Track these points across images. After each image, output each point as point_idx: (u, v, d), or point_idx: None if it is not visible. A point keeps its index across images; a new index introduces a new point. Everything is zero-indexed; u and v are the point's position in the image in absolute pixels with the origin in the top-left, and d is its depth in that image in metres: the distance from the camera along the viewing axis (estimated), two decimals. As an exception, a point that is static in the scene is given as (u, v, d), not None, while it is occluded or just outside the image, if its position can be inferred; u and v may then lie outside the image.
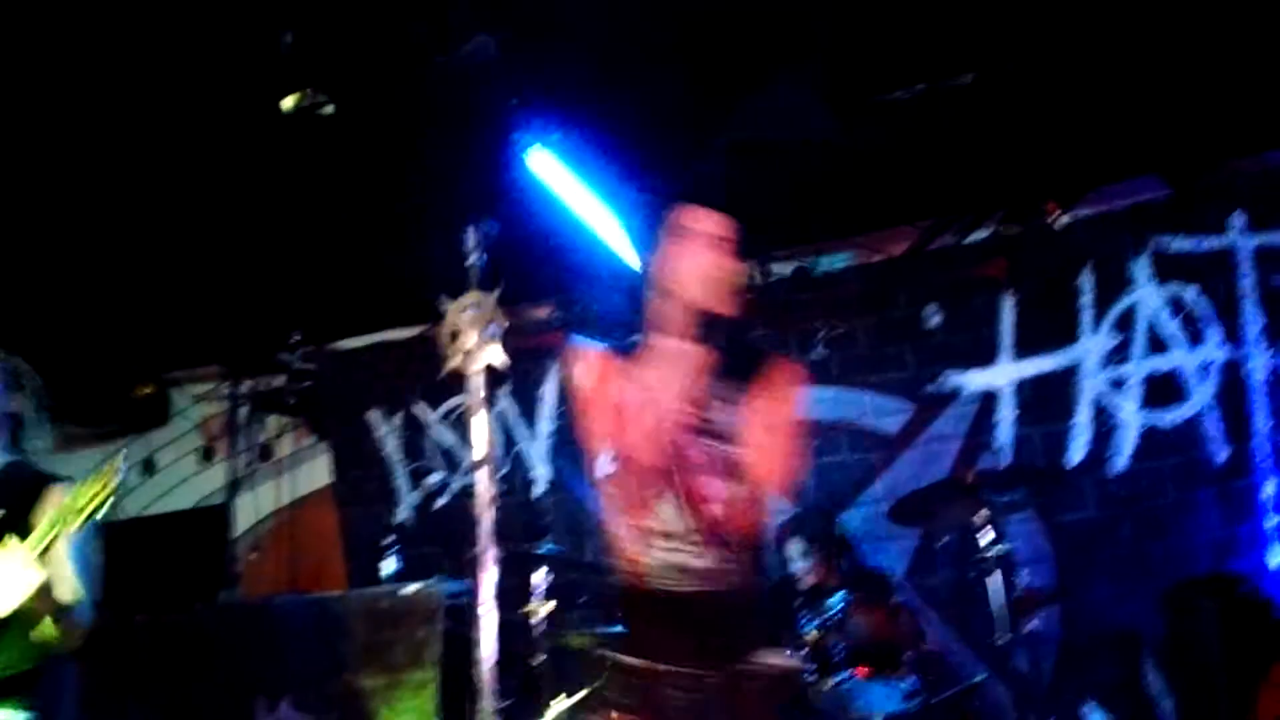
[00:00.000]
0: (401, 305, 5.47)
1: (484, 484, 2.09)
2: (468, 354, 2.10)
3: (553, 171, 3.99)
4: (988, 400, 4.78)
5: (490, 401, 2.15)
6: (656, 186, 4.32)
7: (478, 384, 2.11)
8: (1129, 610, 4.33)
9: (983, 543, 3.57)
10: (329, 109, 3.46)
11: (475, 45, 3.19)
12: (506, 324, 2.12)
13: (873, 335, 5.01)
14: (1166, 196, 4.62)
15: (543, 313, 5.55)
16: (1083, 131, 4.30)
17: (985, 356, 4.80)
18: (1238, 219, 4.49)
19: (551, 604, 3.84)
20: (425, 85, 3.24)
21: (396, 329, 5.77)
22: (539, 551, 3.94)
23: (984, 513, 3.59)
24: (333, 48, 3.30)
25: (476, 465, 2.09)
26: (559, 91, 3.68)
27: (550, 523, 5.03)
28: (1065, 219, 4.72)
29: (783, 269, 5.19)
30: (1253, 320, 4.43)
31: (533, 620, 3.80)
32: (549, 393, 5.46)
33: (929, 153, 4.38)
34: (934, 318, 4.92)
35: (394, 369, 5.70)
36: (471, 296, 2.12)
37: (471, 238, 2.18)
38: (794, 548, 4.13)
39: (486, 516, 2.12)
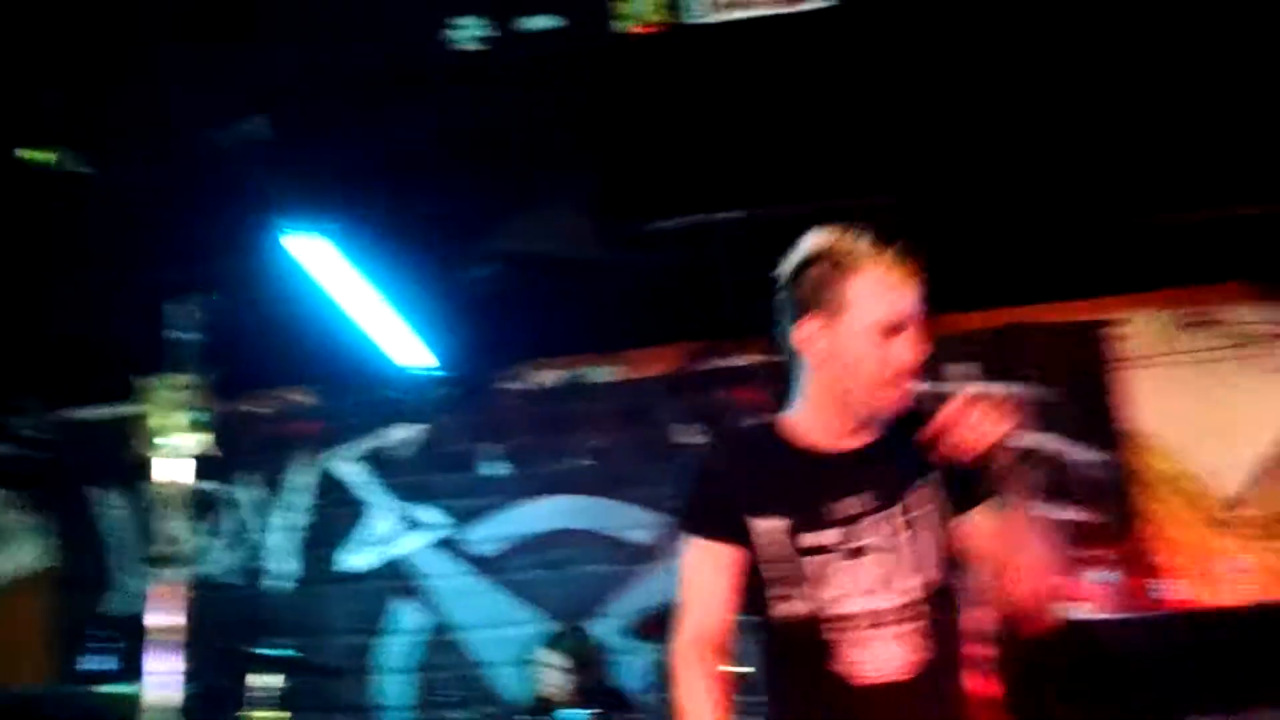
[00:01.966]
0: (125, 381, 5.15)
1: (168, 579, 1.96)
2: (157, 437, 1.96)
3: (319, 260, 3.91)
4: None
5: (199, 489, 2.03)
6: (427, 287, 4.34)
7: (164, 470, 1.98)
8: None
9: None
10: (85, 170, 3.29)
11: (249, 124, 3.13)
12: (213, 408, 2.01)
13: (633, 450, 5.13)
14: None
15: (296, 398, 5.37)
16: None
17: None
18: (962, 370, 4.94)
19: (283, 714, 3.63)
20: (190, 157, 3.14)
21: (119, 404, 5.42)
22: (264, 653, 3.72)
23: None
24: (97, 108, 3.16)
25: (156, 559, 1.96)
26: (335, 182, 3.64)
27: (278, 621, 4.80)
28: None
29: (551, 378, 5.27)
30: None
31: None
32: (295, 481, 5.25)
33: (697, 279, 4.60)
34: (693, 437, 5.09)
35: (114, 447, 5.32)
36: (170, 378, 1.98)
37: (181, 314, 2.05)
38: (553, 659, 4.11)
39: (166, 614, 1.99)
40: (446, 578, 5.08)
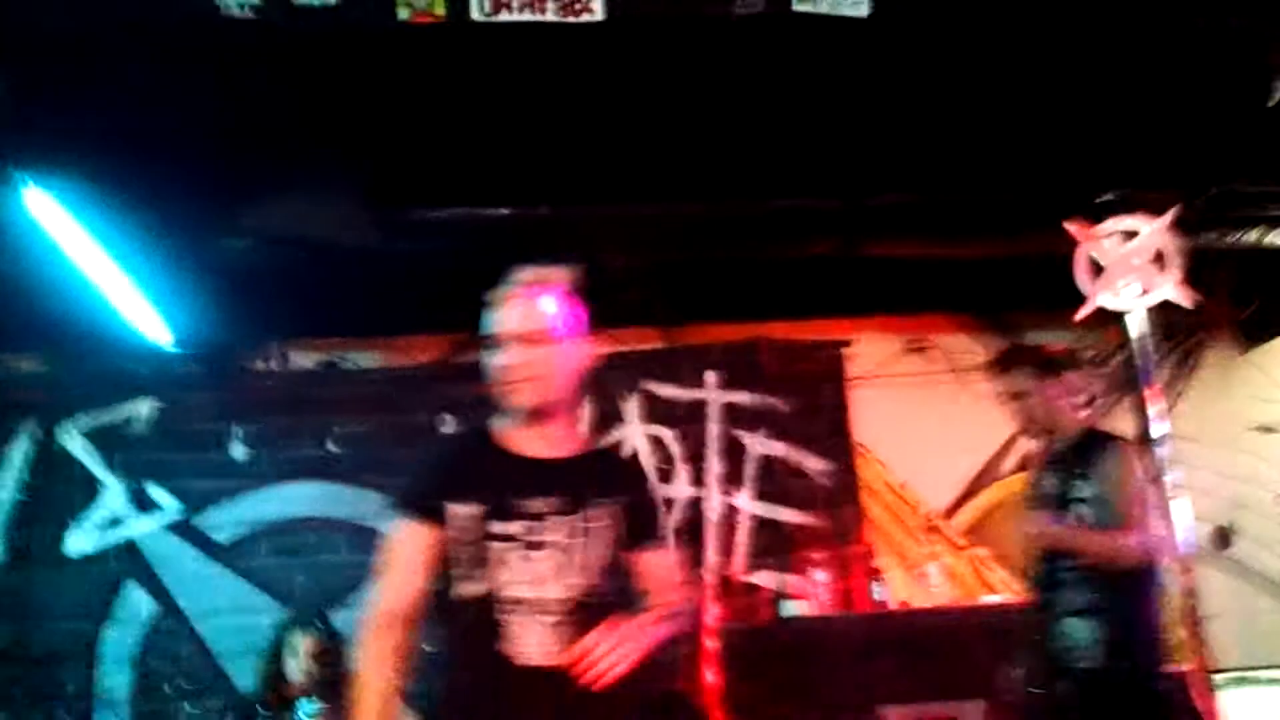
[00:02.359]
0: None
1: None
2: None
3: (58, 219, 3.65)
4: (487, 513, 5.01)
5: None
6: (180, 256, 4.14)
7: None
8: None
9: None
10: None
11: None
12: None
13: (388, 437, 5.08)
14: (659, 348, 5.27)
15: (22, 361, 4.97)
16: (597, 281, 4.76)
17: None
18: (712, 377, 5.23)
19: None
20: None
21: None
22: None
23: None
24: None
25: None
26: (82, 144, 3.42)
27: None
28: (577, 354, 5.17)
29: (305, 360, 5.13)
30: (713, 466, 5.14)
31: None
32: (15, 454, 4.85)
33: (462, 271, 4.61)
34: (449, 428, 5.10)
35: None
36: None
37: None
38: (291, 651, 4.01)
39: None
40: (179, 563, 4.84)
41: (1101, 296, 3.87)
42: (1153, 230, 3.82)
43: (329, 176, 3.77)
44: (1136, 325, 3.87)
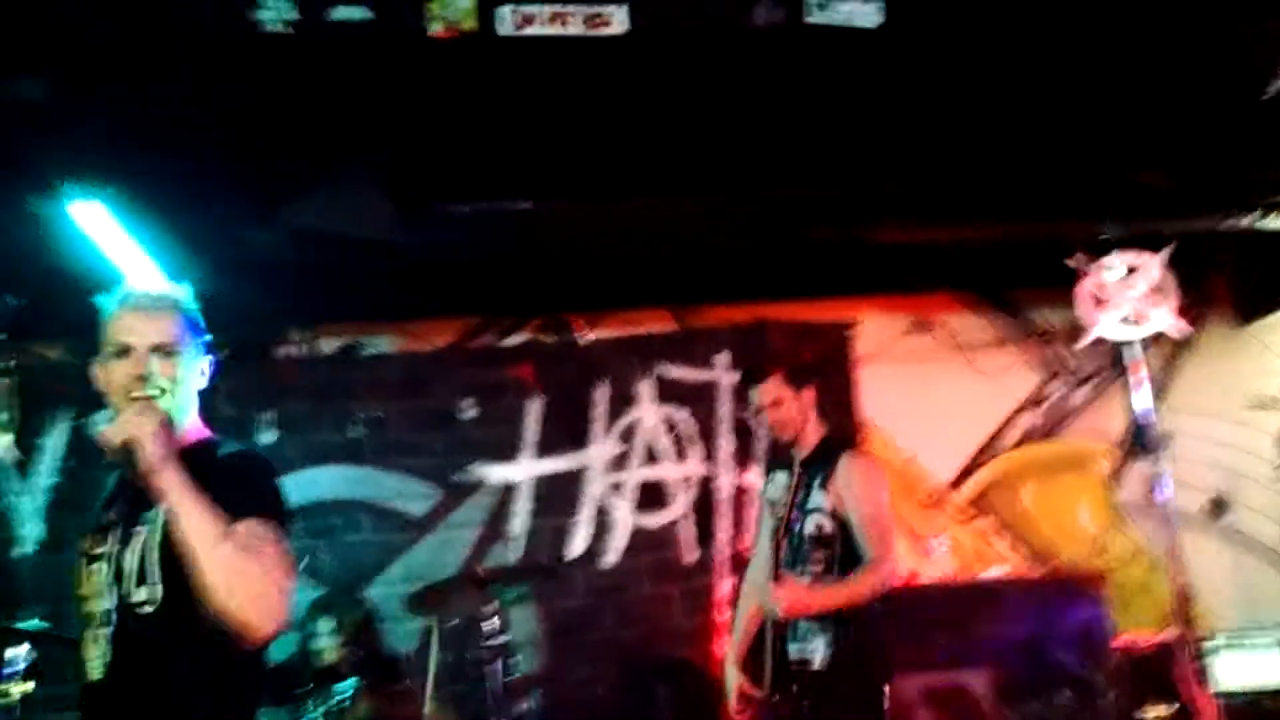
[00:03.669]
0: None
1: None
2: None
3: (92, 216, 3.78)
4: (507, 493, 5.18)
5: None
6: (210, 249, 4.26)
7: None
8: (601, 690, 4.87)
9: (487, 630, 3.86)
10: None
11: (21, 84, 3.02)
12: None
13: (409, 420, 5.22)
14: (672, 331, 5.41)
15: (57, 353, 5.11)
16: (613, 266, 4.93)
17: (509, 452, 5.21)
18: (723, 358, 5.37)
19: (29, 685, 3.51)
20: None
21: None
22: (17, 625, 3.59)
23: (493, 605, 3.88)
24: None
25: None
26: (116, 139, 3.54)
27: (31, 590, 4.59)
28: (590, 337, 5.34)
29: (329, 345, 5.26)
30: (725, 445, 5.30)
31: (3, 702, 3.46)
32: (53, 443, 5.00)
33: (480, 260, 4.75)
34: (468, 411, 5.25)
35: None
36: None
37: None
38: (322, 626, 4.15)
39: None
40: (211, 545, 4.98)
41: (1101, 326, 4.13)
42: (1151, 264, 4.09)
43: (354, 173, 3.88)
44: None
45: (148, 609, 2.04)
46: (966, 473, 5.51)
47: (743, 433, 5.29)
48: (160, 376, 2.10)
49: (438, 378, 5.26)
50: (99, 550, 2.16)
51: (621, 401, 5.30)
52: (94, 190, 3.59)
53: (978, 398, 5.51)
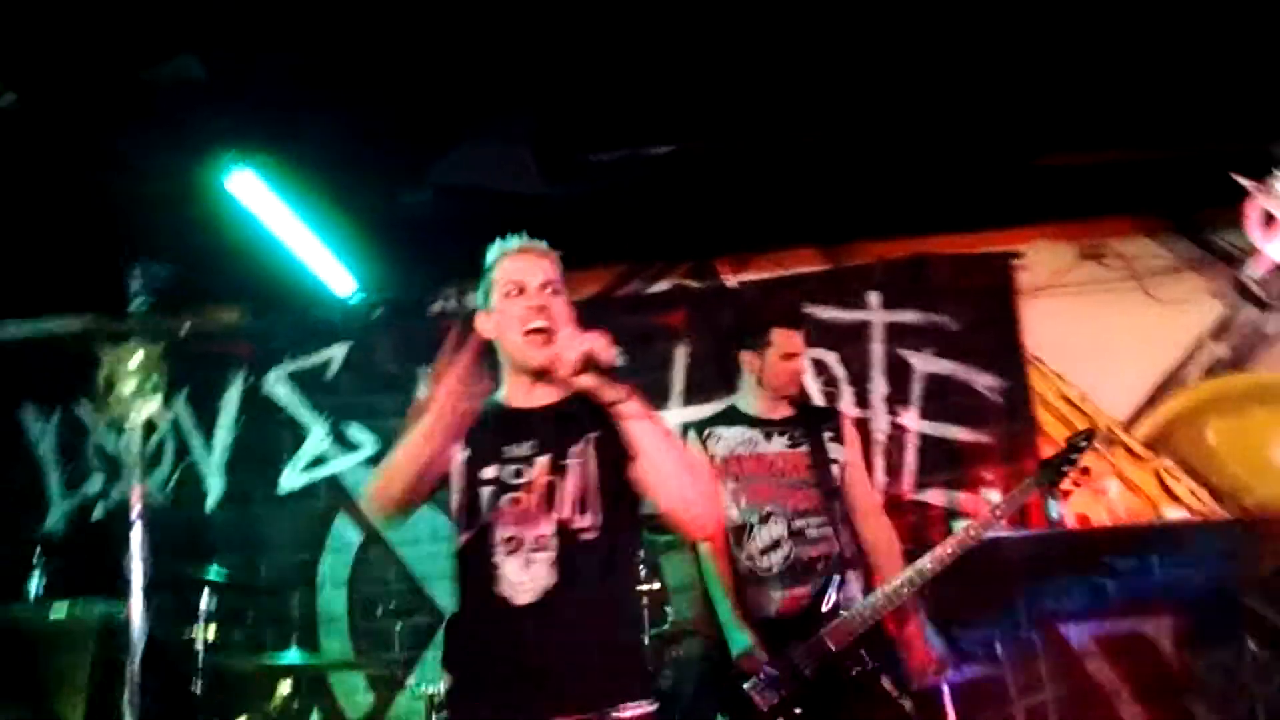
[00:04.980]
0: (66, 292, 5.11)
1: (136, 503, 2.06)
2: (122, 405, 2.06)
3: (254, 190, 3.93)
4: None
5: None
6: (363, 212, 4.39)
7: (132, 438, 2.08)
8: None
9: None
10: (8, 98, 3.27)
11: (179, 63, 3.13)
12: (166, 377, 2.10)
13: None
14: (820, 271, 5.26)
15: (230, 316, 5.39)
16: (758, 206, 4.82)
17: (658, 399, 5.20)
18: (874, 297, 5.19)
19: (213, 628, 3.77)
20: (124, 97, 3.13)
21: (60, 318, 5.37)
22: (205, 574, 3.85)
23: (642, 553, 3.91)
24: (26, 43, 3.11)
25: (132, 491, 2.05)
26: (266, 113, 3.65)
27: (220, 541, 4.90)
28: (736, 281, 5.25)
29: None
30: (878, 387, 5.14)
31: (195, 645, 3.72)
32: (230, 401, 5.29)
33: (624, 208, 4.72)
34: (617, 359, 5.24)
35: (54, 364, 5.29)
36: (132, 350, 2.07)
37: (135, 282, 2.13)
38: None
39: (137, 535, 2.09)
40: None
41: (1274, 246, 3.75)
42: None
43: (497, 128, 3.90)
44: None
45: (589, 535, 2.21)
46: (1143, 410, 5.18)
47: (899, 373, 5.12)
48: (551, 309, 2.35)
49: (587, 327, 5.25)
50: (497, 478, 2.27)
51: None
52: (251, 159, 3.73)
53: (1155, 329, 5.14)
